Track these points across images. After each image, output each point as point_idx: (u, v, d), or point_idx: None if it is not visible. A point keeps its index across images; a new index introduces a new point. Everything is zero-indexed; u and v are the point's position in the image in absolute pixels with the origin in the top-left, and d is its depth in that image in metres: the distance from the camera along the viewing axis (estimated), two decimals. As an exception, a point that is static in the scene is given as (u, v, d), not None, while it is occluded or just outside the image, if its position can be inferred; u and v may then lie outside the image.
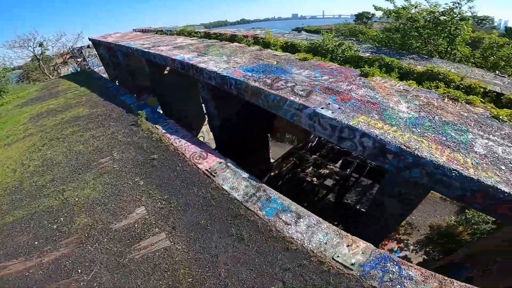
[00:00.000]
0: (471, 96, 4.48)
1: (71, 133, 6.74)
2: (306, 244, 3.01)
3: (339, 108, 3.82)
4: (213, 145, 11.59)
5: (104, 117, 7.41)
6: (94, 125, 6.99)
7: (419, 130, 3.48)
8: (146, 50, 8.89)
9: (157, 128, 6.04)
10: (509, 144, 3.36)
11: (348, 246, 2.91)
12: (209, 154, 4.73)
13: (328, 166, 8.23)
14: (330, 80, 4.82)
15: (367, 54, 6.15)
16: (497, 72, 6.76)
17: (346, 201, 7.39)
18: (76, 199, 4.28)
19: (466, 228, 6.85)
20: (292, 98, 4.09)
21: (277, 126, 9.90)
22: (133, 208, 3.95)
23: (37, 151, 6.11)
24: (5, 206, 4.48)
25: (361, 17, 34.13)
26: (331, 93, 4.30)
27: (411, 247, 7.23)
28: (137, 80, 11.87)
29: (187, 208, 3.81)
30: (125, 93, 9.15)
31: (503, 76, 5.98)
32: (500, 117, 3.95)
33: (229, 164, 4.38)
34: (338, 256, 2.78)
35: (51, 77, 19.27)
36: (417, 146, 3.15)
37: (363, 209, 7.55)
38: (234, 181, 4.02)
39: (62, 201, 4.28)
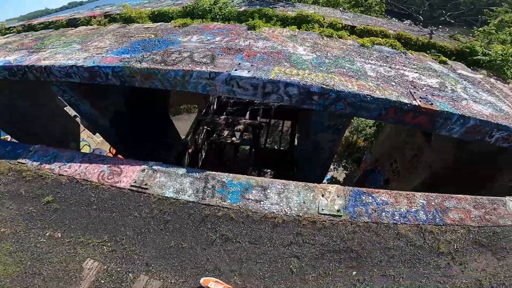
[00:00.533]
0: (340, 31, 5.15)
1: None
2: (289, 212, 2.84)
3: (252, 65, 3.57)
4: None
5: None
6: None
7: (325, 68, 3.72)
8: None
9: (23, 164, 4.12)
10: (384, 64, 4.09)
11: (323, 196, 2.92)
12: (121, 166, 3.62)
13: (240, 121, 8.06)
14: (225, 40, 4.42)
15: (243, 8, 5.98)
16: (340, 9, 8.13)
17: (277, 147, 7.58)
18: None
19: (359, 136, 8.54)
20: (198, 68, 3.49)
21: (170, 101, 8.88)
22: (78, 265, 2.77)
23: None
24: None
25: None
26: (234, 52, 3.95)
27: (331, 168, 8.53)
28: None
29: (142, 238, 2.92)
30: None
31: (346, 12, 7.22)
32: (365, 44, 4.73)
33: (154, 167, 3.50)
34: (322, 210, 2.75)
35: None
36: (333, 83, 3.34)
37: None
38: (174, 183, 3.29)
39: None
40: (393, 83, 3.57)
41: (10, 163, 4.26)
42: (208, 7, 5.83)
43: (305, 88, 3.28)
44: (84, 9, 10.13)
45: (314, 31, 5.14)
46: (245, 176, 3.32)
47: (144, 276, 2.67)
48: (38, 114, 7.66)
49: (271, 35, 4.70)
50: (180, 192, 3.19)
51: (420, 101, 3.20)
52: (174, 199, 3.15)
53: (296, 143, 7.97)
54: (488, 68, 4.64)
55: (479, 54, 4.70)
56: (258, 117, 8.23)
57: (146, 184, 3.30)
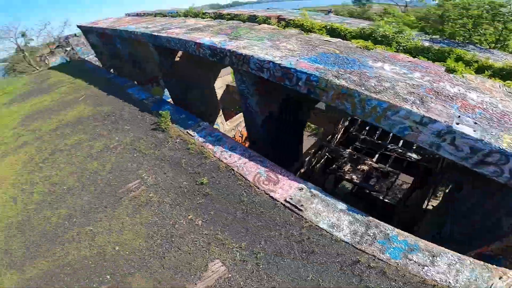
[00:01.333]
0: None
1: (77, 142, 5.44)
2: (453, 284, 2.35)
3: (476, 123, 2.91)
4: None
5: (114, 118, 6.10)
6: (105, 130, 5.70)
7: None
8: (156, 33, 7.42)
9: (192, 136, 4.88)
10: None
11: (500, 278, 2.24)
12: (279, 176, 3.73)
13: (366, 161, 7.47)
14: (427, 79, 3.85)
15: (427, 44, 5.17)
16: None
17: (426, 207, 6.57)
18: (117, 248, 3.18)
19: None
20: (407, 107, 3.11)
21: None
22: (204, 262, 2.93)
23: (38, 170, 4.82)
24: (18, 254, 3.34)
25: (360, -2, 32.70)
26: (445, 98, 3.36)
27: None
28: (141, 69, 10.30)
29: (280, 260, 2.85)
30: (132, 85, 7.76)
31: None
32: None
33: (313, 191, 3.43)
34: (496, 291, 2.05)
35: (38, 68, 17.12)
36: None
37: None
38: (331, 216, 3.10)
39: (98, 251, 3.18)
40: None
41: (180, 130, 5.10)
42: (392, 35, 5.31)
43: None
44: (253, 8, 11.33)
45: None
46: (413, 236, 2.82)
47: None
48: (198, 89, 9.21)
49: (483, 87, 3.81)
50: (335, 228, 2.98)
51: None
52: (327, 232, 2.96)
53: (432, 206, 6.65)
54: None
55: None
56: (387, 165, 7.35)
57: (302, 206, 3.25)
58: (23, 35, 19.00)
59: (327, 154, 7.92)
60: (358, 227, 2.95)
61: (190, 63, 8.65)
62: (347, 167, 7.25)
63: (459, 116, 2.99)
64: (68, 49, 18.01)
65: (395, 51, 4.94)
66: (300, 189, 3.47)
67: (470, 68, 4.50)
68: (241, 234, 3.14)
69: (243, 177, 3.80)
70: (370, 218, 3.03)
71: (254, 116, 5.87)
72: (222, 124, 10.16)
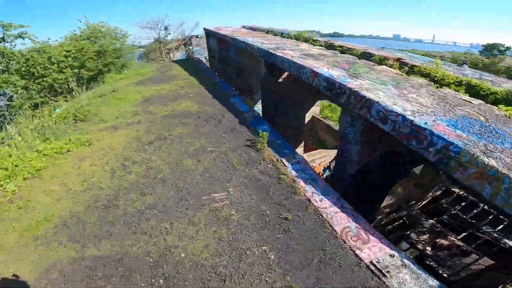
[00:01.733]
0: None
1: (180, 134, 6.01)
2: None
3: None
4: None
5: (215, 122, 6.54)
6: (206, 130, 6.16)
7: None
8: (272, 51, 7.80)
9: (285, 166, 4.74)
10: None
11: None
12: (370, 236, 3.20)
13: (448, 237, 6.15)
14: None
15: None
16: None
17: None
18: (183, 255, 3.18)
19: None
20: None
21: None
22: None
23: (142, 151, 5.46)
24: (90, 228, 3.65)
25: (492, 48, 27.88)
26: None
27: None
28: (242, 79, 11.15)
29: None
30: (235, 94, 8.30)
31: None
32: None
33: (405, 260, 2.79)
34: None
35: (165, 59, 20.63)
36: None
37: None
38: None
39: (164, 252, 3.24)
40: None
41: (274, 156, 4.99)
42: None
43: None
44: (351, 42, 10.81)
45: None
46: None
47: None
48: (290, 114, 9.25)
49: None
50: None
51: None
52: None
53: None
54: None
55: None
56: (473, 245, 5.84)
57: (388, 272, 2.66)
58: (166, 29, 22.46)
59: (404, 218, 6.78)
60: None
61: (291, 87, 8.79)
62: (424, 237, 6.04)
63: None
64: (190, 47, 21.11)
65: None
66: (391, 256, 2.88)
67: None
68: (311, 282, 2.78)
69: (331, 226, 3.42)
70: None
71: (348, 163, 5.40)
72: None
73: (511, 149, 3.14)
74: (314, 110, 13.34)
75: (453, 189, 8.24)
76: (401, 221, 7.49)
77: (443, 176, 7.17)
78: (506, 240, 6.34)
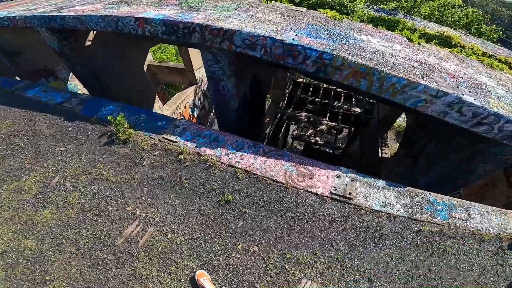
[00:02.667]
0: (500, 64, 5.03)
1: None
2: (491, 231, 3.00)
3: (470, 92, 3.45)
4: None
5: (28, 140, 4.05)
6: (25, 161, 3.71)
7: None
8: (54, 14, 4.99)
9: (173, 142, 3.79)
10: None
11: None
12: (309, 168, 3.48)
13: (322, 122, 8.07)
14: (407, 50, 4.22)
15: (374, 13, 5.61)
16: (460, 30, 7.91)
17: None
18: None
19: None
20: (423, 82, 3.32)
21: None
22: None
23: None
24: None
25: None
26: (434, 70, 3.79)
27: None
28: (20, 62, 6.87)
29: (359, 252, 2.82)
30: (29, 85, 5.24)
31: (468, 35, 7.04)
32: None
33: (350, 175, 3.40)
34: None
35: None
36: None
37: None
38: (377, 196, 3.22)
39: None
40: None
41: (152, 138, 3.89)
42: (347, 3, 5.39)
43: (525, 127, 3.26)
44: None
45: (471, 57, 4.98)
46: (445, 196, 3.34)
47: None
48: (123, 74, 7.11)
49: (444, 55, 4.54)
50: (388, 206, 3.14)
51: None
52: (383, 212, 3.10)
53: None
54: None
55: None
56: (339, 122, 8.24)
57: (350, 194, 3.20)
58: None
59: (286, 121, 8.03)
60: (404, 200, 3.18)
61: (108, 45, 6.39)
62: (310, 131, 7.65)
63: (458, 87, 3.45)
64: None
65: (360, 21, 5.11)
66: (338, 177, 3.36)
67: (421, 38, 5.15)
68: (308, 244, 2.84)
69: (273, 180, 3.32)
70: (409, 188, 3.30)
71: (229, 100, 5.07)
72: (161, 110, 8.41)
73: (358, 44, 3.84)
74: (147, 59, 11.25)
75: (297, 80, 9.92)
76: (285, 124, 8.50)
77: (292, 72, 8.26)
78: (355, 109, 8.59)
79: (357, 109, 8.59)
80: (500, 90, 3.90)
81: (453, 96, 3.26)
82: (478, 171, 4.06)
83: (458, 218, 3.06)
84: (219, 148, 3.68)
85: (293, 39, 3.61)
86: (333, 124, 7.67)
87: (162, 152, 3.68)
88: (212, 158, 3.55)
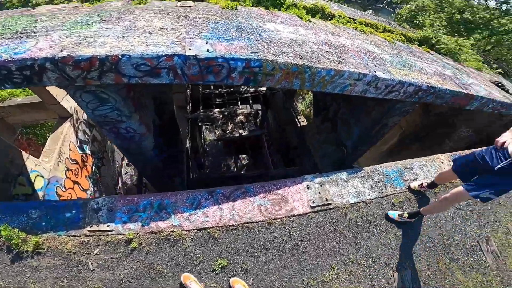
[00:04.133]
0: (368, 28, 5.85)
1: None
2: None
3: (376, 66, 3.80)
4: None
5: None
6: None
7: (407, 68, 4.42)
8: None
9: (111, 231, 2.63)
10: (420, 60, 5.26)
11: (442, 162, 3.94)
12: (278, 191, 3.15)
13: (237, 112, 7.88)
14: (310, 32, 4.22)
15: None
16: None
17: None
18: None
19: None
20: (346, 68, 3.37)
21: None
22: None
23: None
24: None
25: None
26: (341, 50, 3.96)
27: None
28: None
29: (369, 246, 2.97)
30: None
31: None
32: (390, 41, 5.73)
33: (316, 179, 3.31)
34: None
35: None
36: (424, 80, 4.16)
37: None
38: (347, 189, 3.32)
39: None
40: (449, 81, 4.81)
41: (74, 236, 2.59)
42: None
43: (418, 86, 3.95)
44: None
45: (347, 26, 5.54)
46: (391, 163, 3.78)
47: None
48: None
49: (334, 30, 4.83)
50: (360, 195, 3.29)
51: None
52: (359, 202, 3.22)
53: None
54: (445, 53, 6.78)
55: (440, 43, 6.74)
56: (249, 105, 8.10)
57: (327, 199, 3.13)
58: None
59: (206, 123, 7.26)
60: (367, 182, 3.38)
61: None
62: (230, 126, 7.20)
63: (367, 64, 3.73)
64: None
65: (252, 6, 4.71)
66: (308, 188, 3.19)
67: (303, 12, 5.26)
68: (321, 263, 2.77)
69: (252, 222, 2.82)
70: (364, 169, 3.51)
71: (141, 142, 3.85)
72: (40, 166, 5.48)
73: (272, 37, 3.45)
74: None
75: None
76: (205, 127, 7.62)
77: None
78: (261, 88, 8.19)
79: (263, 88, 8.68)
80: (385, 55, 4.53)
81: (370, 75, 3.50)
82: (390, 124, 4.84)
83: (410, 180, 3.53)
84: (172, 216, 2.77)
85: (208, 50, 2.85)
86: (249, 111, 7.49)
87: (102, 247, 2.51)
88: (172, 231, 2.66)
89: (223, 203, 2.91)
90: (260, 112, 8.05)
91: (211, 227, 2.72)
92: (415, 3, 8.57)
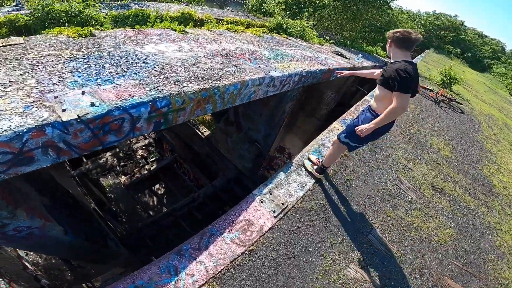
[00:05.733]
0: (237, 26, 6.08)
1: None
2: None
3: (266, 66, 4.06)
4: None
5: None
6: None
7: (284, 60, 4.99)
8: None
9: None
10: (292, 48, 6.00)
11: None
12: (240, 217, 2.98)
13: (135, 148, 6.93)
14: (194, 46, 3.97)
15: (115, 11, 4.53)
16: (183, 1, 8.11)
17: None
18: None
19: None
20: (248, 77, 3.40)
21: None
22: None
23: None
24: None
25: None
26: (232, 57, 3.97)
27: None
28: None
29: (345, 217, 3.16)
30: None
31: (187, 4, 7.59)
32: (259, 35, 6.22)
33: (264, 190, 3.37)
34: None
35: None
36: (302, 68, 4.86)
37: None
38: (291, 186, 3.53)
39: None
40: (314, 62, 5.75)
41: None
42: (78, 11, 3.75)
43: (300, 74, 4.55)
44: None
45: (220, 29, 5.57)
46: (309, 145, 4.27)
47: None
48: None
49: (213, 38, 4.74)
50: (303, 185, 3.57)
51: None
52: (306, 192, 3.51)
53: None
54: (296, 36, 8.05)
55: (290, 28, 7.93)
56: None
57: (282, 204, 3.23)
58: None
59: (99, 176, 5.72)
60: (299, 170, 3.71)
61: None
62: (132, 166, 6.04)
63: (259, 66, 3.92)
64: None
65: (111, 28, 3.87)
66: (262, 201, 3.18)
67: (166, 23, 4.87)
68: (317, 258, 2.86)
69: (237, 257, 2.60)
70: (293, 161, 3.83)
71: (46, 232, 2.61)
72: None
73: (161, 62, 2.98)
74: None
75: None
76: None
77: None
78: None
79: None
80: (265, 52, 4.91)
81: (267, 77, 3.73)
82: (287, 110, 5.42)
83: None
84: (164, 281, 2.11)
85: (94, 104, 2.16)
86: (146, 142, 6.52)
87: None
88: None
89: (198, 256, 2.50)
90: (157, 136, 7.16)
91: (204, 283, 2.32)
92: (259, -9, 9.61)
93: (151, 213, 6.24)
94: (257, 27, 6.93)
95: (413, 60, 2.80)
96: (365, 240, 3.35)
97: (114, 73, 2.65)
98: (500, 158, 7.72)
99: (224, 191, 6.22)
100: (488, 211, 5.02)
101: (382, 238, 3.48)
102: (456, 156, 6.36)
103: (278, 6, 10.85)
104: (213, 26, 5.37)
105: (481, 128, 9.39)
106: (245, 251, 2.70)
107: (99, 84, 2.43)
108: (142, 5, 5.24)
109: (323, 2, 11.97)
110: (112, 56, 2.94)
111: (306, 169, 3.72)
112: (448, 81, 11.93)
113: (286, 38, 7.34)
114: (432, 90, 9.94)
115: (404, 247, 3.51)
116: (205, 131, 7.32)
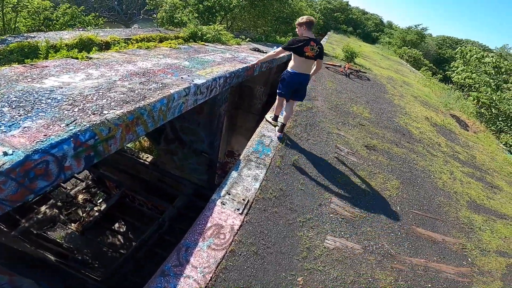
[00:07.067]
0: (149, 43, 5.87)
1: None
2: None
3: (189, 76, 4.11)
4: None
5: None
6: None
7: (204, 67, 5.11)
8: None
9: None
10: (213, 54, 6.11)
11: None
12: (207, 224, 3.00)
13: (74, 194, 6.17)
14: (106, 72, 3.75)
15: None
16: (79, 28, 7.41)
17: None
18: None
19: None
20: (173, 90, 3.40)
21: None
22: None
23: None
24: None
25: None
26: (151, 74, 3.89)
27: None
28: None
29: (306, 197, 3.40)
30: None
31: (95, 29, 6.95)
32: (176, 47, 6.17)
33: (221, 192, 3.43)
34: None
35: None
36: (225, 69, 5.06)
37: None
38: (246, 181, 3.68)
39: None
40: (235, 62, 5.99)
41: None
42: None
43: (224, 76, 4.73)
44: None
45: (131, 48, 5.32)
46: (251, 140, 4.49)
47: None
48: None
49: (125, 59, 4.53)
50: (257, 177, 3.77)
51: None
52: (261, 183, 3.70)
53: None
54: (213, 41, 8.24)
55: (206, 34, 8.08)
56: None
57: (243, 199, 3.34)
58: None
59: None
60: (251, 164, 3.92)
61: None
62: (78, 212, 5.27)
63: (182, 77, 3.95)
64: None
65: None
66: (223, 203, 3.24)
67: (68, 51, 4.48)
68: (295, 239, 3.03)
69: (220, 261, 2.61)
70: (241, 157, 3.99)
71: None
72: None
73: (69, 94, 2.74)
74: None
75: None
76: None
77: None
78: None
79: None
80: (185, 62, 4.93)
81: (192, 86, 3.78)
82: (222, 113, 5.56)
83: (269, 142, 4.40)
84: None
85: (6, 153, 1.89)
86: (83, 184, 5.81)
87: None
88: None
89: (182, 271, 2.41)
90: (95, 176, 6.40)
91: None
92: (166, 4, 9.43)
93: (122, 251, 5.60)
94: (172, 39, 6.85)
95: (320, 42, 3.96)
96: (330, 210, 3.70)
97: (17, 116, 2.34)
98: (409, 109, 9.39)
99: (188, 208, 6.03)
100: (417, 156, 5.98)
101: (343, 205, 3.87)
102: (375, 116, 7.50)
103: (191, 14, 10.88)
104: (121, 47, 5.10)
105: (386, 89, 11.23)
106: (226, 253, 2.74)
107: (4, 132, 2.13)
108: (24, 37, 4.66)
109: (233, 4, 12.47)
110: (7, 98, 2.58)
111: (267, 121, 4.89)
112: (350, 56, 13.86)
113: (204, 45, 7.45)
114: (340, 66, 11.41)
115: (365, 207, 3.92)
116: (147, 157, 6.92)
